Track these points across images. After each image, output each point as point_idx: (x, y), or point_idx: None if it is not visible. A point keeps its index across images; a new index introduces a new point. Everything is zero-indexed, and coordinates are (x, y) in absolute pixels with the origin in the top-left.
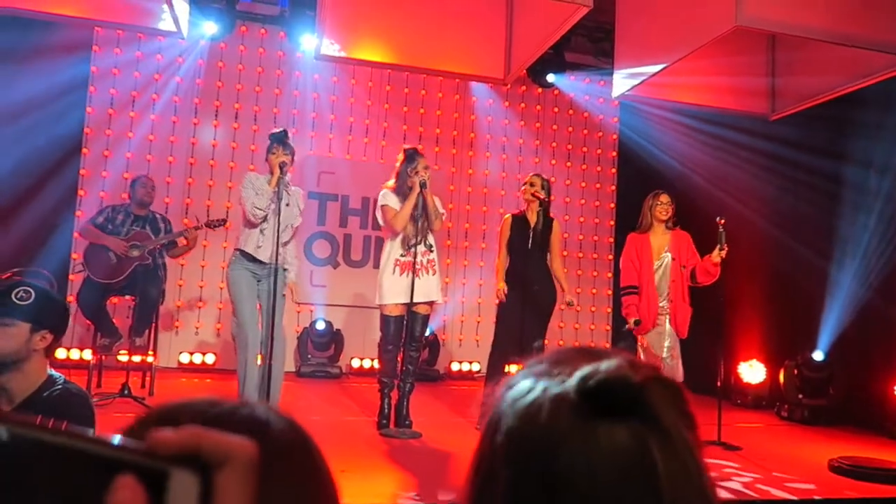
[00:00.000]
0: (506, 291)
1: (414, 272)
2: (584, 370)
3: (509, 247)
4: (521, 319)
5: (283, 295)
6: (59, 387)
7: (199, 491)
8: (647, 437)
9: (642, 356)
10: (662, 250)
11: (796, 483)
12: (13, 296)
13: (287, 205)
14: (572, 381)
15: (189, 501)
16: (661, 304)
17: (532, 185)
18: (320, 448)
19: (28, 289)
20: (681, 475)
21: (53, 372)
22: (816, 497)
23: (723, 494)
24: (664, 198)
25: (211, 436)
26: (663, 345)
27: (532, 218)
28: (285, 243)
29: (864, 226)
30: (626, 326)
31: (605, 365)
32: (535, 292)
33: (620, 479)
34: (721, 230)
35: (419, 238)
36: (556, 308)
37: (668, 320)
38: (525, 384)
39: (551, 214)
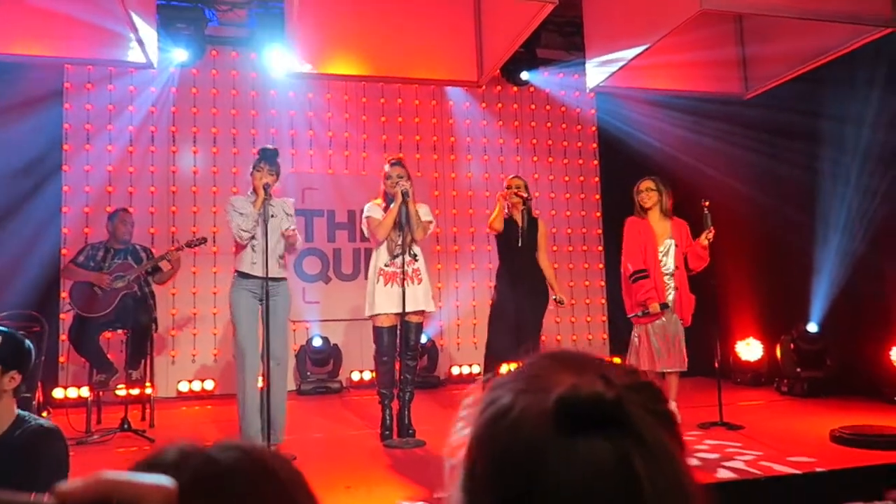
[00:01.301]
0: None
1: (401, 283)
2: (560, 391)
3: (499, 247)
4: (516, 319)
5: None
6: (31, 424)
7: None
8: (628, 446)
9: (638, 343)
10: (665, 237)
11: (798, 457)
12: None
13: (273, 216)
14: (550, 400)
15: None
16: (667, 293)
17: (518, 186)
18: (305, 477)
19: None
20: (663, 481)
21: (21, 411)
22: (819, 469)
23: (726, 475)
24: (643, 184)
25: (121, 481)
26: (668, 333)
27: (518, 218)
28: (281, 256)
29: (843, 193)
30: (651, 310)
31: (582, 382)
32: (527, 291)
33: (604, 490)
34: (707, 213)
35: (404, 248)
36: (548, 306)
37: (673, 309)
38: (503, 402)
39: (537, 212)
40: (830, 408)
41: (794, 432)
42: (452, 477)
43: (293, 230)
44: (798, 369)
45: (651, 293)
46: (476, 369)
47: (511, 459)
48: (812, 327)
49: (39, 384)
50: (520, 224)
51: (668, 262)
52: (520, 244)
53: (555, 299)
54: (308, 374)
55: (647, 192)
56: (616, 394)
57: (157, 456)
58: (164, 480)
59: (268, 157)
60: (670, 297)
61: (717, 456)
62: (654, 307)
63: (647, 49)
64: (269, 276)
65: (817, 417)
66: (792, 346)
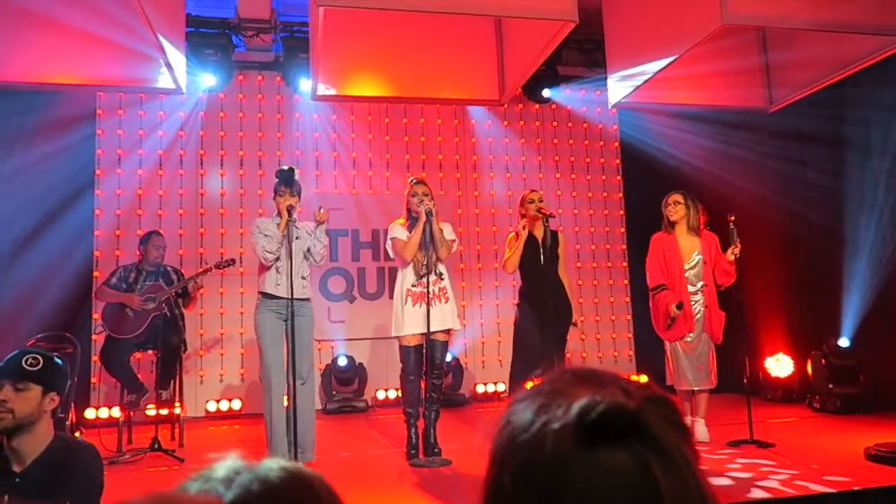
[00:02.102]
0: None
1: (427, 302)
2: (582, 402)
3: (521, 266)
4: (541, 337)
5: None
6: (69, 442)
7: None
8: (648, 457)
9: (672, 361)
10: (692, 251)
11: (833, 475)
12: (24, 363)
13: (297, 238)
14: (572, 413)
15: None
16: (695, 309)
17: (541, 200)
18: (341, 497)
19: (36, 355)
20: (682, 490)
21: (58, 431)
22: (855, 487)
23: (759, 494)
24: (672, 198)
25: (175, 497)
26: (698, 350)
27: (538, 233)
28: (305, 277)
29: (873, 203)
30: (672, 313)
31: (602, 395)
32: (552, 308)
33: (626, 499)
34: (732, 227)
35: (429, 267)
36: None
37: (702, 327)
38: (525, 417)
39: (560, 227)
40: (864, 425)
41: (827, 450)
42: (479, 493)
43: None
44: (830, 385)
45: (669, 297)
46: (501, 387)
47: (535, 472)
48: (844, 342)
49: (72, 404)
50: (541, 240)
51: (696, 278)
52: (542, 261)
53: (572, 322)
54: (333, 393)
55: (675, 206)
56: (637, 404)
57: (208, 472)
58: (213, 497)
59: (285, 180)
60: (699, 314)
61: (750, 475)
62: (672, 309)
63: (668, 64)
64: (294, 296)
65: (851, 435)
66: (823, 361)
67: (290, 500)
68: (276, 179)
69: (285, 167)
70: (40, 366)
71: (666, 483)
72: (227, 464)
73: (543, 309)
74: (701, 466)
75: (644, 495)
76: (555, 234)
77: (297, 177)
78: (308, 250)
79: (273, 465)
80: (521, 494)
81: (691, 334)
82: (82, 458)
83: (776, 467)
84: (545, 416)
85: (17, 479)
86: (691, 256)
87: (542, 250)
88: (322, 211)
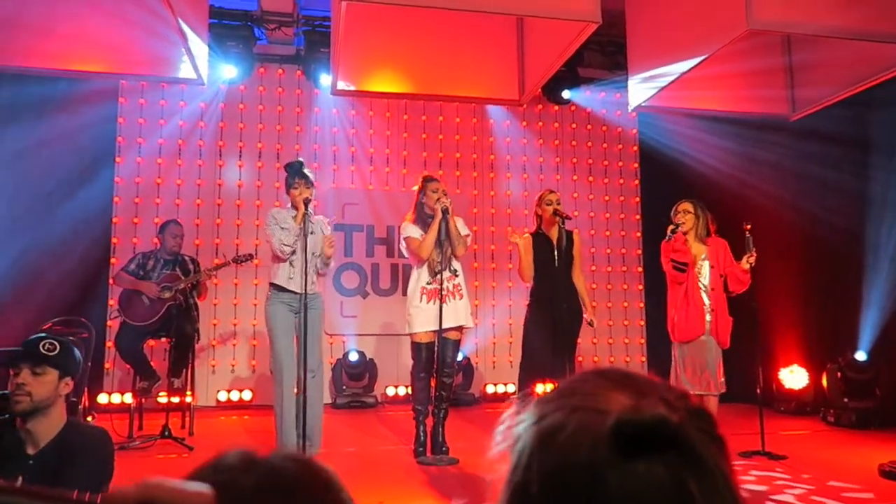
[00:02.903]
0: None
1: (441, 299)
2: (622, 411)
3: (534, 267)
4: (552, 339)
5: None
6: (81, 427)
7: None
8: (685, 472)
9: (680, 366)
10: (699, 258)
11: (852, 493)
12: (42, 347)
13: (311, 233)
14: (610, 420)
15: None
16: (704, 312)
17: (558, 202)
18: (349, 492)
19: (53, 341)
20: None
21: (70, 417)
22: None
23: None
24: (681, 206)
25: (165, 486)
26: (706, 356)
27: (553, 235)
28: (316, 272)
29: (894, 218)
30: (679, 254)
31: (643, 404)
32: (564, 311)
33: None
34: (748, 236)
35: (444, 264)
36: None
37: (709, 331)
38: (555, 419)
39: (575, 228)
40: (879, 440)
41: (840, 465)
42: (496, 493)
43: (332, 239)
44: (845, 399)
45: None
46: (511, 388)
47: (566, 478)
48: (861, 355)
49: (85, 389)
50: (555, 241)
51: (704, 284)
52: (556, 263)
53: (588, 321)
54: (343, 387)
55: (684, 215)
56: (680, 418)
57: (220, 461)
58: (203, 488)
59: (298, 172)
60: (707, 320)
61: (765, 488)
62: (678, 237)
63: (691, 69)
64: (306, 291)
65: (865, 450)
66: (839, 374)
67: (306, 493)
68: (287, 173)
69: (294, 161)
70: (57, 351)
71: (702, 499)
72: (239, 453)
73: (556, 311)
74: (737, 482)
75: None
76: (570, 235)
77: (306, 170)
78: (320, 252)
79: (288, 455)
80: (548, 499)
81: (698, 339)
82: (94, 443)
83: (791, 481)
84: (579, 419)
85: (31, 462)
86: (698, 263)
87: (556, 252)
88: (331, 245)
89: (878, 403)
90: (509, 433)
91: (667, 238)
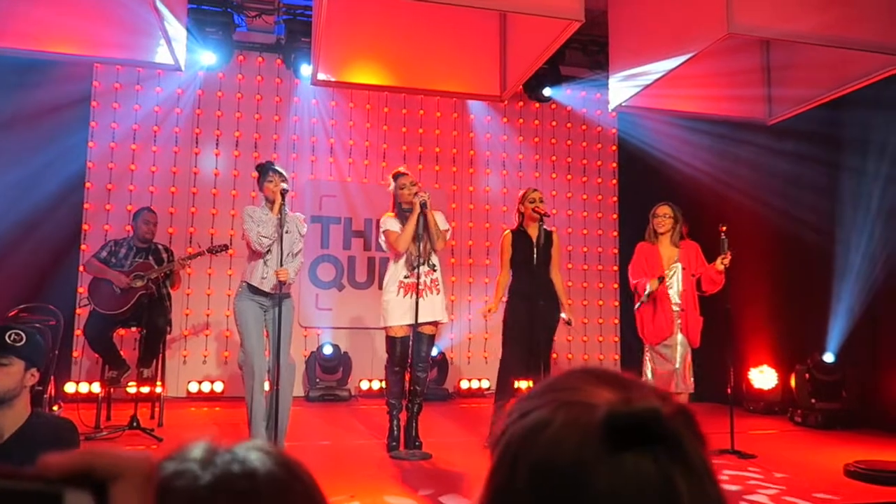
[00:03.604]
0: (493, 312)
1: (417, 293)
2: (614, 403)
3: (513, 263)
4: (529, 336)
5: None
6: (46, 418)
7: None
8: (671, 466)
9: (650, 366)
10: (672, 261)
11: (822, 493)
12: (7, 338)
13: (287, 232)
14: (600, 412)
15: None
16: (674, 312)
17: (541, 200)
18: (319, 483)
19: (19, 331)
20: (703, 502)
21: (36, 408)
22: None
23: None
24: (660, 210)
25: (102, 453)
26: (676, 355)
27: (533, 233)
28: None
29: (864, 219)
30: (651, 289)
31: (633, 397)
32: (542, 307)
33: None
34: (723, 237)
35: (422, 258)
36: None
37: (680, 330)
38: (541, 413)
39: (553, 227)
40: (845, 441)
41: (807, 464)
42: (485, 489)
43: (293, 275)
44: (813, 400)
45: (644, 280)
46: (486, 384)
47: (553, 472)
48: (828, 357)
49: (52, 378)
50: (535, 240)
51: (676, 287)
52: (535, 261)
53: (563, 317)
54: (317, 380)
55: (664, 219)
56: (671, 411)
57: (184, 451)
58: (146, 455)
59: (273, 168)
60: (677, 321)
61: (738, 488)
62: (653, 283)
63: (671, 70)
64: (277, 291)
65: (831, 450)
66: (807, 375)
67: (272, 483)
68: (259, 173)
69: (265, 161)
70: (23, 341)
71: (688, 493)
72: (203, 444)
73: (533, 307)
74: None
75: (664, 503)
76: (549, 234)
77: (277, 166)
78: (297, 251)
79: (252, 446)
80: (536, 493)
81: (667, 341)
82: (59, 435)
83: (764, 481)
84: (567, 413)
85: None
86: (671, 266)
87: (535, 250)
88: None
89: (844, 405)
90: (495, 429)
91: (639, 305)
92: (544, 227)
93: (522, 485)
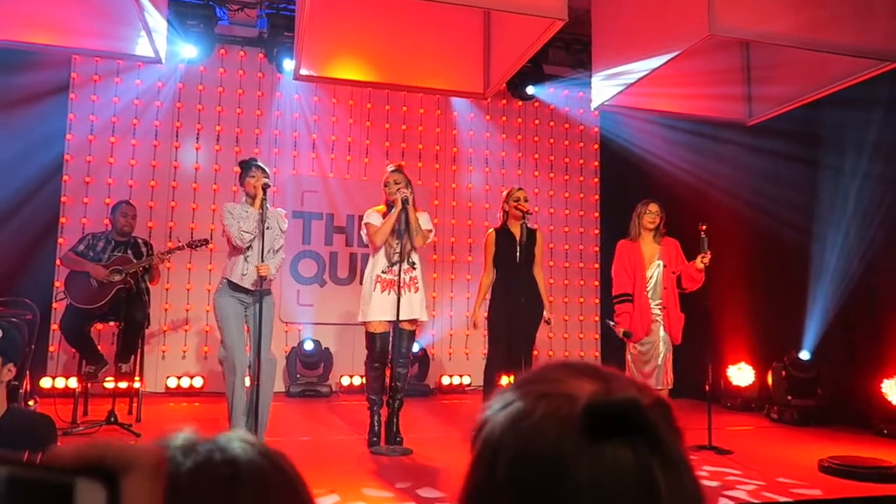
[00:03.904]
0: (476, 317)
1: (399, 290)
2: (593, 393)
3: (496, 261)
4: (510, 332)
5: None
6: (23, 413)
7: (105, 498)
8: (650, 457)
9: (632, 363)
10: (654, 258)
11: (800, 489)
12: None
13: (268, 228)
14: (580, 403)
15: None
16: (654, 312)
17: (526, 199)
18: (302, 475)
19: None
20: (681, 493)
21: (12, 403)
22: (808, 498)
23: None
24: (653, 207)
25: (113, 445)
26: (658, 352)
27: (517, 231)
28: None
29: (841, 219)
30: (618, 334)
31: (614, 387)
32: (523, 305)
33: (625, 497)
34: (703, 236)
35: (402, 255)
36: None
37: (661, 327)
38: (521, 405)
39: (535, 225)
40: (820, 437)
41: (782, 460)
42: (465, 481)
43: (274, 271)
44: (789, 397)
45: (623, 318)
46: (467, 380)
47: (533, 462)
48: (804, 355)
49: (27, 373)
50: (518, 238)
51: (656, 283)
52: (518, 259)
53: (545, 319)
54: (298, 376)
55: (654, 216)
56: (650, 402)
57: (165, 439)
58: (157, 447)
59: (256, 164)
60: (658, 317)
61: (717, 483)
62: (619, 330)
63: (653, 70)
64: (258, 287)
65: (806, 446)
66: (784, 373)
67: (252, 471)
68: (242, 169)
69: (248, 158)
70: (0, 336)
71: (665, 484)
72: (185, 434)
73: (515, 306)
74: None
75: (643, 494)
76: (533, 232)
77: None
78: (279, 248)
79: (234, 436)
80: (516, 484)
81: (647, 339)
82: (37, 431)
83: (743, 476)
84: (547, 404)
85: None
86: (652, 262)
87: (518, 248)
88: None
89: (819, 402)
90: (478, 422)
91: (620, 335)
92: (527, 225)
93: (502, 478)
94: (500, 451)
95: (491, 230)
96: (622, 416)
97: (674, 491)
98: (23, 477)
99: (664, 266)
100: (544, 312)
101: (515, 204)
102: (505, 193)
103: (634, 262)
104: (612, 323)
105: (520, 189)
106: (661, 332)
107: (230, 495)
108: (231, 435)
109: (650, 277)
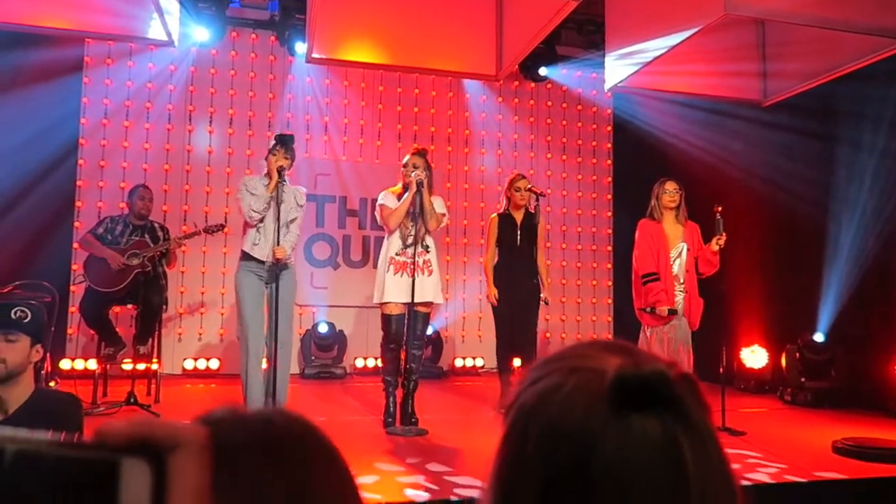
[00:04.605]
0: (497, 295)
1: (413, 272)
2: (621, 366)
3: (499, 244)
4: (512, 314)
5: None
6: (50, 393)
7: (151, 477)
8: (677, 429)
9: (649, 346)
10: (678, 240)
11: (822, 472)
12: (13, 314)
13: (283, 202)
14: (608, 376)
15: (141, 488)
16: (677, 297)
17: (527, 189)
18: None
19: (24, 308)
20: (707, 465)
21: (38, 383)
22: (821, 478)
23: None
24: (670, 185)
25: (159, 423)
26: (678, 336)
27: (518, 216)
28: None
29: (857, 199)
30: (662, 315)
31: (642, 361)
32: (523, 286)
33: (652, 469)
34: (718, 218)
35: (416, 238)
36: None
37: (682, 312)
38: (553, 379)
39: (548, 208)
40: (833, 419)
41: (796, 441)
42: (496, 455)
43: (290, 250)
44: (802, 379)
45: (661, 296)
46: (480, 362)
47: (562, 435)
48: (819, 337)
49: (48, 354)
50: (519, 222)
51: (680, 266)
52: (518, 242)
53: (543, 299)
54: (312, 358)
55: (673, 194)
56: (677, 375)
57: (211, 414)
58: (198, 422)
59: (284, 142)
60: (679, 301)
61: (737, 466)
62: (663, 310)
63: (667, 51)
64: (272, 261)
65: (820, 428)
66: (797, 355)
67: (299, 443)
68: (274, 141)
69: (287, 132)
70: (29, 318)
71: (692, 457)
72: (229, 408)
73: (517, 287)
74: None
75: (670, 466)
76: (533, 216)
77: (294, 145)
78: (291, 221)
79: (277, 411)
80: (545, 457)
81: (671, 323)
82: (64, 409)
83: (763, 459)
84: (578, 378)
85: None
86: (676, 245)
87: (519, 232)
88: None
89: (833, 384)
90: (510, 398)
91: (661, 314)
92: (529, 208)
93: (532, 451)
94: (531, 424)
95: (494, 215)
96: (650, 388)
97: (701, 463)
98: (69, 456)
99: (688, 249)
100: (544, 293)
101: (517, 194)
102: (508, 180)
103: (658, 242)
104: (649, 310)
105: (522, 178)
106: (683, 320)
107: (275, 468)
108: (276, 410)
109: (674, 260)
